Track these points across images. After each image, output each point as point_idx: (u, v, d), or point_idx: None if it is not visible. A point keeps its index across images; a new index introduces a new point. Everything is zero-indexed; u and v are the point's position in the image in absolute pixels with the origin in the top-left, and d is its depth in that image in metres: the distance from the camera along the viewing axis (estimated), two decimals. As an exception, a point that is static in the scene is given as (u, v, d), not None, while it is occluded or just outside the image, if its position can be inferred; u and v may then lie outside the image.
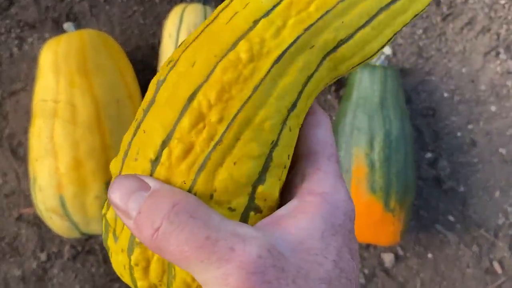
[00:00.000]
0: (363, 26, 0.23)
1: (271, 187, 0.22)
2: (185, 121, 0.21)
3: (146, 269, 0.22)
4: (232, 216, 0.22)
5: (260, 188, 0.22)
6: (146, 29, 0.79)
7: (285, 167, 0.23)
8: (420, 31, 0.78)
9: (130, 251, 0.22)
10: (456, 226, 0.79)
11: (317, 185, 0.23)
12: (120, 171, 0.23)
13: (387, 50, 0.72)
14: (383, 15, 0.23)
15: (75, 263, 0.78)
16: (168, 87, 0.22)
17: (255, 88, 0.22)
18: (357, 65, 0.24)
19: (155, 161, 0.22)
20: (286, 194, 0.24)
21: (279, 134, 0.22)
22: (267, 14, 0.22)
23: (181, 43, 0.24)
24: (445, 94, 0.79)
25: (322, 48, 0.23)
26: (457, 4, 0.78)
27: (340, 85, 0.80)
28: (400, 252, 0.79)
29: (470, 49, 0.78)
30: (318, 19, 0.22)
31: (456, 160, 0.79)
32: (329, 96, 0.80)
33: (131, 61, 0.73)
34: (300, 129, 0.24)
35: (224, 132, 0.21)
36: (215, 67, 0.21)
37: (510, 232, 0.79)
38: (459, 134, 0.79)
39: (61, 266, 0.78)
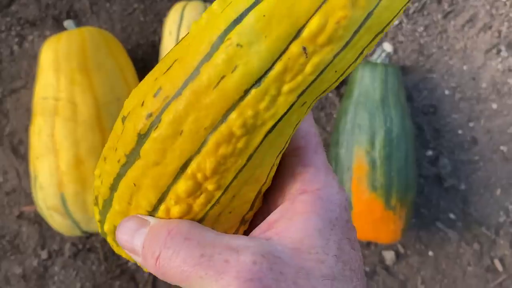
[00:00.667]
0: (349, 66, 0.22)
1: (258, 206, 0.25)
2: (181, 187, 0.22)
3: None
4: None
5: (249, 214, 0.24)
6: (146, 27, 0.78)
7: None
8: (421, 28, 0.78)
9: None
10: (457, 224, 0.79)
11: (309, 183, 0.23)
12: (110, 203, 0.25)
13: (388, 48, 0.72)
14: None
15: (76, 261, 0.78)
16: (154, 150, 0.21)
17: (249, 157, 0.21)
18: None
19: (152, 211, 0.23)
20: (277, 195, 0.24)
21: (268, 174, 0.23)
22: (259, 82, 0.20)
23: (155, 79, 0.22)
24: (446, 92, 0.79)
25: (313, 99, 0.22)
26: (458, 2, 0.78)
27: (341, 82, 0.80)
28: (401, 250, 0.79)
29: (471, 47, 0.78)
30: (314, 80, 0.20)
31: (457, 158, 0.79)
32: (330, 94, 0.80)
33: (132, 59, 0.73)
34: None
35: (221, 196, 0.22)
36: (206, 139, 0.21)
37: (511, 230, 0.79)
38: (460, 132, 0.79)
39: (62, 264, 0.78)
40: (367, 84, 0.70)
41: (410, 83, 0.79)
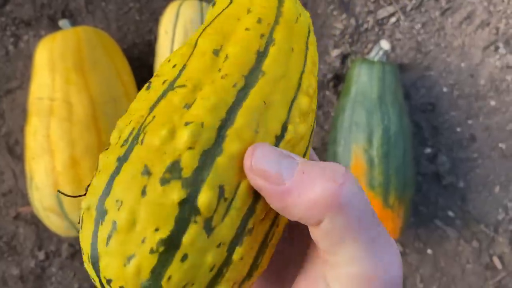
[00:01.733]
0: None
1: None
2: (304, 102, 0.21)
3: (246, 261, 0.20)
4: None
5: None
6: (142, 26, 0.78)
7: None
8: (419, 25, 0.78)
9: (234, 243, 0.19)
10: (456, 222, 0.79)
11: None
12: (219, 146, 0.19)
13: (386, 46, 0.72)
14: None
15: (74, 262, 0.77)
16: (277, 62, 0.22)
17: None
18: None
19: (281, 136, 0.20)
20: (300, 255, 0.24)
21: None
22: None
23: (258, 18, 0.23)
24: (444, 89, 0.78)
25: None
26: (456, -2, 0.78)
27: (339, 80, 0.79)
28: (400, 248, 0.79)
29: (469, 44, 0.78)
30: None
31: (456, 155, 0.79)
32: (327, 92, 0.79)
33: (127, 58, 0.73)
34: None
35: (313, 119, 0.23)
36: (305, 60, 0.24)
37: (510, 227, 0.78)
38: (458, 129, 0.79)
39: (59, 264, 0.77)
40: (365, 82, 0.70)
41: (408, 81, 0.78)
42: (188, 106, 0.19)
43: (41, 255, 0.77)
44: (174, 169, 0.18)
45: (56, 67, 0.64)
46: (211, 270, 0.18)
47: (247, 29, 0.22)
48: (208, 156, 0.19)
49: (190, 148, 0.18)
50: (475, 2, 0.77)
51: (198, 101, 0.19)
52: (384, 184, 0.67)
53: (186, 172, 0.18)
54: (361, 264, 0.18)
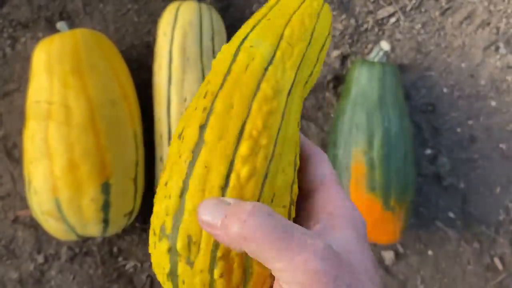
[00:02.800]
0: (317, 60, 0.33)
1: (296, 185, 0.30)
2: (244, 148, 0.27)
3: (229, 278, 0.27)
4: (284, 213, 0.28)
5: (294, 188, 0.30)
6: (140, 27, 0.77)
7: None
8: (419, 26, 0.77)
9: (212, 267, 0.27)
10: (457, 223, 0.79)
11: (339, 209, 0.29)
12: (182, 209, 0.27)
13: (386, 46, 0.71)
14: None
15: (73, 265, 0.77)
16: (215, 128, 0.28)
17: (282, 114, 0.29)
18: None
19: (225, 187, 0.27)
20: (309, 219, 0.30)
21: (296, 144, 0.30)
22: (271, 62, 0.30)
23: (205, 92, 0.30)
24: (445, 90, 0.78)
25: (306, 79, 0.32)
26: (456, -2, 0.77)
27: (339, 82, 0.79)
28: (401, 250, 0.79)
29: (470, 44, 0.77)
30: (301, 61, 0.32)
31: (456, 156, 0.78)
32: (327, 94, 0.79)
33: (126, 60, 0.72)
34: (310, 167, 0.32)
35: (274, 149, 0.28)
36: (251, 105, 0.28)
37: (511, 228, 0.78)
38: (459, 130, 0.78)
39: (58, 268, 0.77)
40: (365, 83, 0.69)
41: (408, 82, 0.78)
42: (166, 183, 0.29)
43: (40, 259, 0.77)
44: (162, 229, 0.28)
45: (54, 70, 0.63)
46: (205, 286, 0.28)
47: (196, 108, 0.29)
48: (177, 217, 0.28)
49: (167, 214, 0.28)
50: (475, 2, 0.77)
51: (170, 180, 0.28)
52: (385, 187, 0.67)
53: (168, 230, 0.28)
54: (288, 271, 0.24)
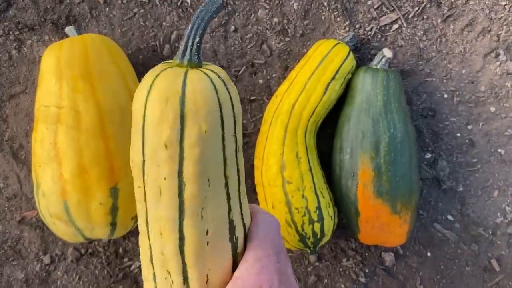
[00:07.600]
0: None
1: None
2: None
3: None
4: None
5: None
6: (146, 31, 0.78)
7: None
8: (421, 32, 0.79)
9: None
10: (455, 225, 0.80)
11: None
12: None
13: (388, 53, 0.72)
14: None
15: (79, 265, 0.78)
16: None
17: None
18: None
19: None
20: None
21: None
22: None
23: None
24: (445, 95, 0.79)
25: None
26: (457, 5, 0.78)
27: (342, 87, 0.80)
28: (400, 251, 0.80)
29: (470, 51, 0.79)
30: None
31: (456, 160, 0.80)
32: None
33: (132, 64, 0.73)
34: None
35: None
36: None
37: (508, 231, 0.80)
38: (458, 134, 0.80)
39: (64, 268, 0.78)
40: (369, 90, 0.70)
41: (409, 87, 0.79)
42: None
43: (46, 259, 0.78)
44: None
45: (63, 75, 0.64)
46: None
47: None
48: None
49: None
50: (477, 9, 0.78)
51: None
52: (392, 191, 0.68)
53: None
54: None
